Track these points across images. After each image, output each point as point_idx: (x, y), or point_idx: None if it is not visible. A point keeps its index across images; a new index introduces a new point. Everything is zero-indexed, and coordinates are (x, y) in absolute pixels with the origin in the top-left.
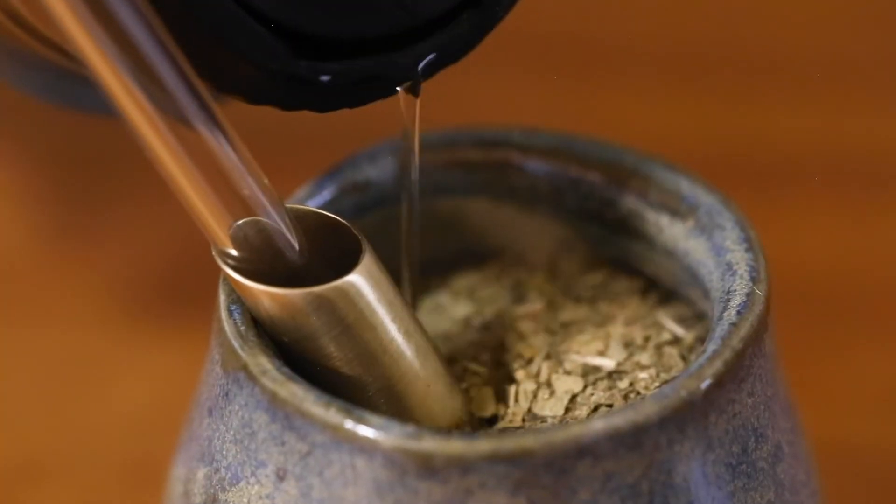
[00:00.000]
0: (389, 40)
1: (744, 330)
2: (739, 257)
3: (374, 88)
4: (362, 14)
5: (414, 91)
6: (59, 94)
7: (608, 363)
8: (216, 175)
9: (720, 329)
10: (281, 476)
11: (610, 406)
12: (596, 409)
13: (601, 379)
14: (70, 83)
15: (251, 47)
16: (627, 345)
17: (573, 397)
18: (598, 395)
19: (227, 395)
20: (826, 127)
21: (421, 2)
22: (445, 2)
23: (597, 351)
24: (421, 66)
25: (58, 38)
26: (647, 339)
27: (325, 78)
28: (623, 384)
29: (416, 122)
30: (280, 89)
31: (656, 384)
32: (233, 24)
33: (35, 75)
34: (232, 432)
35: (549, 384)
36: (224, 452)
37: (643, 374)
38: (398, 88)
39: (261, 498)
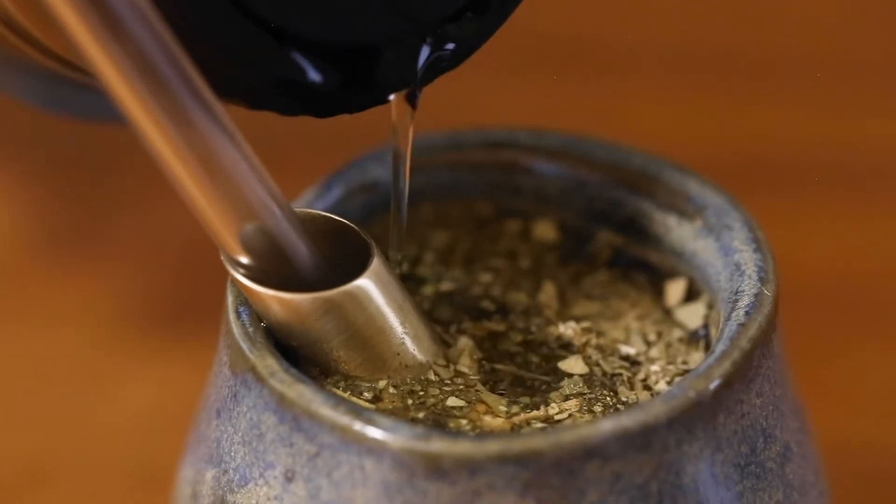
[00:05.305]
0: (389, 45)
1: (752, 330)
2: (748, 257)
3: (371, 94)
4: (360, 19)
5: (412, 101)
6: (57, 102)
7: (631, 351)
8: (224, 180)
9: (728, 329)
10: (289, 477)
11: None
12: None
13: (625, 367)
14: (67, 90)
15: (251, 53)
16: (644, 339)
17: (606, 377)
18: (618, 386)
19: (235, 396)
20: (834, 128)
21: (419, 8)
22: (445, 8)
23: (619, 340)
24: (420, 71)
25: (61, 47)
26: (659, 335)
27: (321, 82)
28: (639, 377)
29: (410, 133)
30: (279, 95)
31: (667, 379)
32: (232, 29)
33: (31, 83)
34: (240, 434)
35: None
36: (232, 454)
37: (655, 367)
38: (391, 98)
39: (269, 499)
